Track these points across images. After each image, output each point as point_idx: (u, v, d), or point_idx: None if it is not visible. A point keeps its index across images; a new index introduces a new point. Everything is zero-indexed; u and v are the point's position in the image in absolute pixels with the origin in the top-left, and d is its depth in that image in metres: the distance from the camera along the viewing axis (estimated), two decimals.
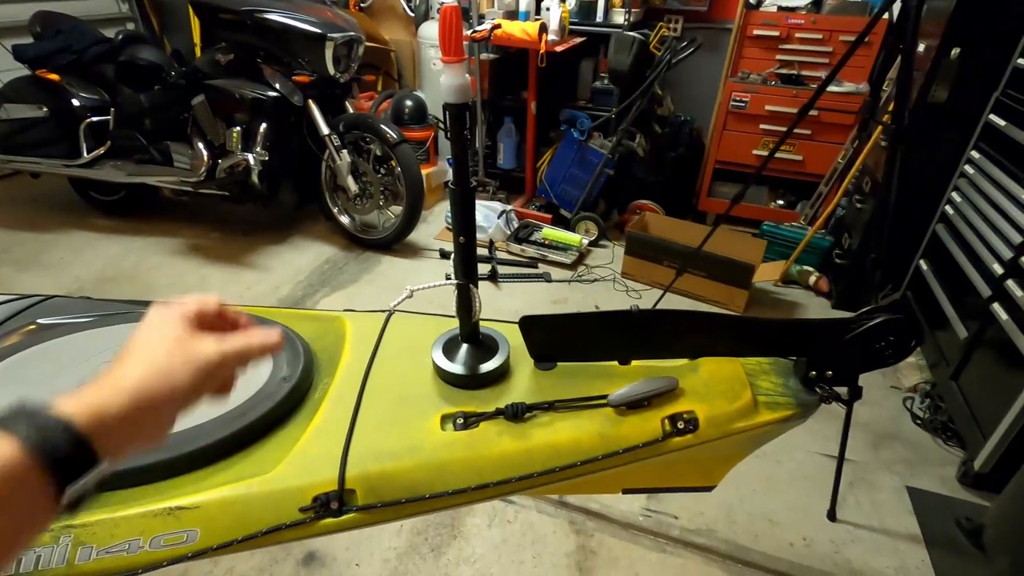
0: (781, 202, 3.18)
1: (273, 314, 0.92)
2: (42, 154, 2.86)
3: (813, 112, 2.83)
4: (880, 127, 2.40)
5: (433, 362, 0.74)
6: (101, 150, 2.86)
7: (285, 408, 0.72)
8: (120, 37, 2.90)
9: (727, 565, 1.51)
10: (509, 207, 3.14)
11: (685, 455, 0.71)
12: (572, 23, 3.07)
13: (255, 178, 2.68)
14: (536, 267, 2.91)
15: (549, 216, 3.21)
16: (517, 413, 0.67)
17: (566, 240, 3.00)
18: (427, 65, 3.66)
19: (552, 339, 0.75)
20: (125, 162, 2.91)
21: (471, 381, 0.72)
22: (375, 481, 0.63)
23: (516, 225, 3.10)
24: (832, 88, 2.82)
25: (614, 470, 0.69)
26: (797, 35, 2.82)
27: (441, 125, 3.17)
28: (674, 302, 2.55)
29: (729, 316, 0.71)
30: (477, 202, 3.22)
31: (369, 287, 2.68)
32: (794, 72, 2.88)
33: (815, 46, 2.81)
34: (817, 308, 2.66)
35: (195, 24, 3.75)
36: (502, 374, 0.74)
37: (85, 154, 2.83)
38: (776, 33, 2.85)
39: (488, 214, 3.07)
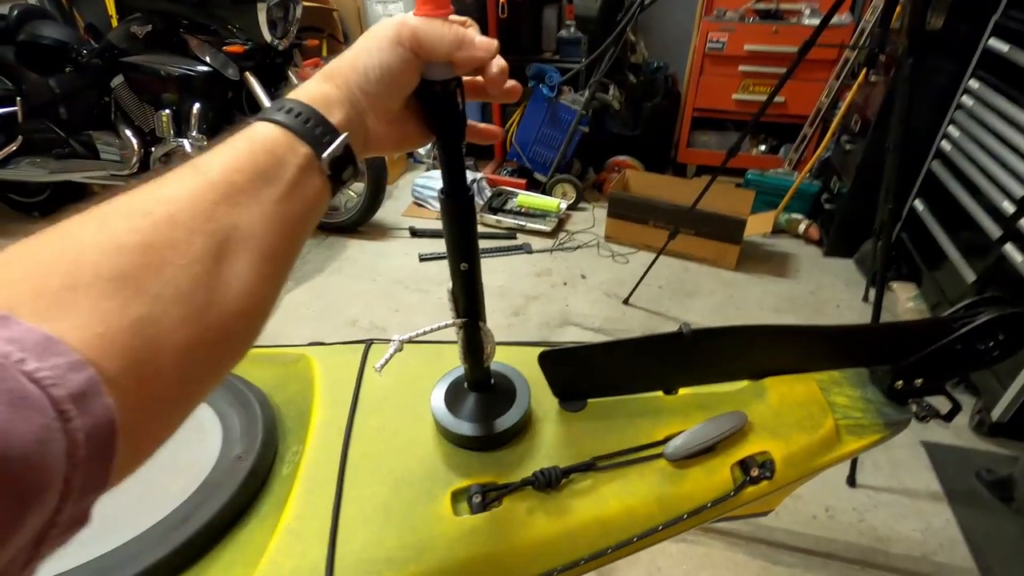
0: (764, 147, 3.04)
1: None
2: None
3: (792, 49, 2.67)
4: (866, 61, 2.25)
5: (434, 418, 0.57)
6: (13, 146, 2.52)
7: (243, 500, 0.55)
8: (15, 13, 2.52)
9: (751, 547, 1.43)
10: (479, 175, 2.93)
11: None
12: None
13: None
14: (515, 238, 2.74)
15: (523, 181, 3.01)
16: (551, 481, 0.52)
17: (543, 206, 2.82)
18: (375, 23, 3.33)
19: (580, 373, 0.59)
20: (44, 158, 2.58)
21: (487, 442, 0.56)
22: None
23: (488, 194, 2.90)
24: (812, 21, 2.65)
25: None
26: None
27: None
28: (665, 263, 2.42)
29: (804, 327, 0.56)
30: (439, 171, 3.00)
31: (337, 276, 2.47)
32: (772, 6, 2.69)
33: None
34: (808, 257, 2.57)
35: None
36: (524, 425, 0.58)
37: None
38: None
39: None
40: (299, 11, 2.46)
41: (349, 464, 0.57)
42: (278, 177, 0.31)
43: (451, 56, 0.36)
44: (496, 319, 2.19)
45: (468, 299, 0.49)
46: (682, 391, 0.61)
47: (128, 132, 2.46)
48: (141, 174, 2.45)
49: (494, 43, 0.38)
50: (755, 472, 0.54)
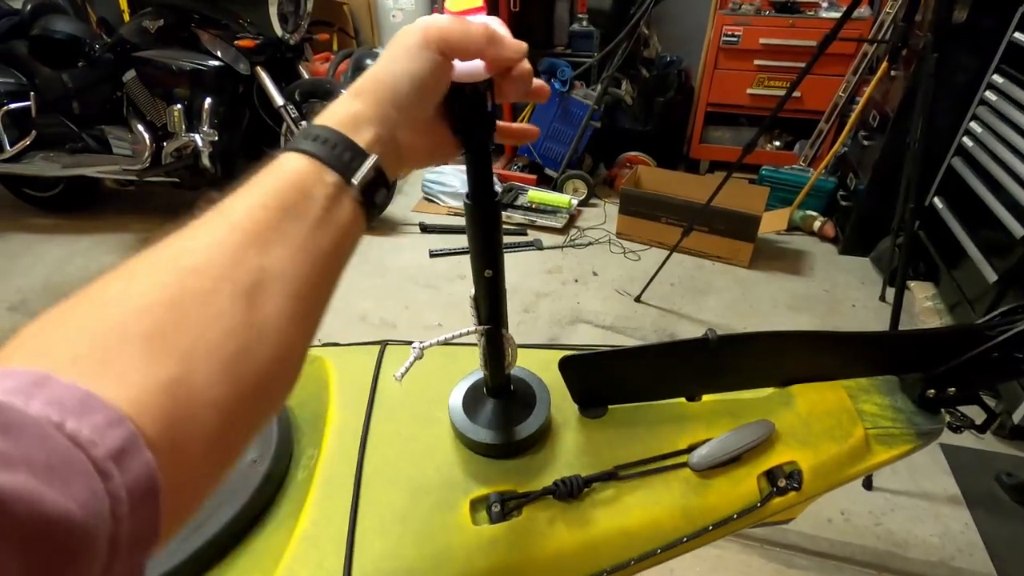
0: (778, 143, 3.00)
1: None
2: None
3: (810, 43, 2.63)
4: (887, 56, 2.21)
5: (452, 425, 0.56)
6: (26, 141, 2.53)
7: (258, 505, 0.54)
8: (28, 8, 2.52)
9: (765, 551, 1.41)
10: None
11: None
12: None
13: (206, 160, 2.40)
14: (525, 234, 2.72)
15: (534, 177, 2.99)
16: (572, 490, 0.51)
17: (554, 202, 2.80)
18: (386, 17, 3.31)
19: (602, 379, 0.58)
20: (57, 153, 2.59)
21: (506, 449, 0.54)
22: None
23: (499, 189, 2.88)
24: (830, 14, 2.60)
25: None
26: None
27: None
28: (677, 261, 2.39)
29: (833, 334, 0.55)
30: (454, 167, 2.99)
31: (347, 272, 2.45)
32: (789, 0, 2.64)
33: None
34: (823, 254, 2.53)
35: None
36: (544, 432, 0.57)
37: (8, 147, 2.49)
38: None
39: (466, 180, 2.83)
40: (310, 5, 2.45)
41: (366, 470, 0.56)
42: (306, 211, 0.30)
43: (482, 54, 0.35)
44: (507, 316, 2.18)
45: (491, 306, 0.48)
46: (706, 398, 0.60)
47: (140, 127, 2.46)
48: (152, 168, 2.46)
49: (524, 44, 0.37)
50: (782, 483, 0.53)
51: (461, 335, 0.50)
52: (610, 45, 2.61)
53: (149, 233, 2.72)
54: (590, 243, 2.65)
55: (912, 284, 2.22)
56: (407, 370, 0.48)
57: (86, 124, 2.58)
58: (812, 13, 2.62)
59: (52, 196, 2.84)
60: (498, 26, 0.36)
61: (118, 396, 0.21)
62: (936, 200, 2.15)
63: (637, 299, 2.26)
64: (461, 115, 0.38)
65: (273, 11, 2.24)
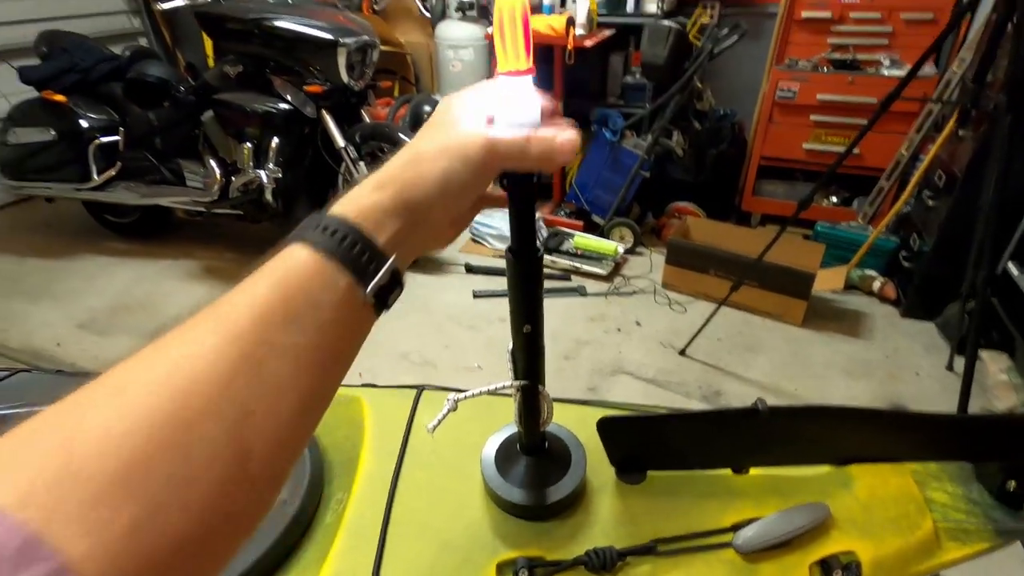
0: (835, 199, 2.91)
1: None
2: (53, 178, 2.76)
3: (870, 100, 2.58)
4: (956, 114, 2.13)
5: (483, 481, 0.55)
6: (111, 172, 2.74)
7: (285, 548, 0.53)
8: (127, 54, 2.79)
9: None
10: (537, 214, 2.94)
11: None
12: (600, 15, 2.85)
13: (268, 196, 2.53)
14: (569, 279, 2.71)
15: (580, 223, 3.00)
16: (606, 563, 0.48)
17: (600, 249, 2.79)
18: (446, 67, 3.47)
19: (642, 443, 0.55)
20: (137, 183, 2.80)
21: (538, 511, 0.52)
22: None
23: (545, 234, 2.90)
24: (893, 72, 2.55)
25: None
26: (852, 15, 2.56)
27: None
28: (725, 315, 2.32)
29: (899, 412, 0.50)
30: (499, 211, 3.04)
31: (392, 308, 2.50)
32: (849, 56, 2.61)
33: (873, 26, 2.54)
34: (884, 317, 2.40)
35: (206, 37, 3.63)
36: (578, 495, 0.54)
37: (95, 176, 2.71)
38: (827, 15, 2.59)
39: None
40: (375, 56, 2.60)
41: (393, 519, 0.55)
42: (312, 321, 0.28)
43: (536, 165, 0.34)
44: (546, 363, 2.15)
45: (529, 362, 0.47)
46: (754, 471, 0.56)
47: (212, 162, 2.63)
48: (220, 201, 2.61)
49: (577, 141, 0.35)
50: (839, 575, 0.48)
51: (497, 389, 0.49)
52: (662, 98, 2.64)
53: (212, 261, 2.87)
54: (635, 292, 2.61)
55: (984, 354, 2.07)
56: (439, 422, 0.47)
57: (165, 158, 2.78)
58: (873, 71, 2.58)
59: (129, 223, 3.05)
60: (556, 124, 0.35)
61: (68, 542, 0.19)
62: (1011, 265, 2.02)
63: (681, 352, 2.19)
64: (506, 186, 0.38)
65: (342, 61, 2.39)
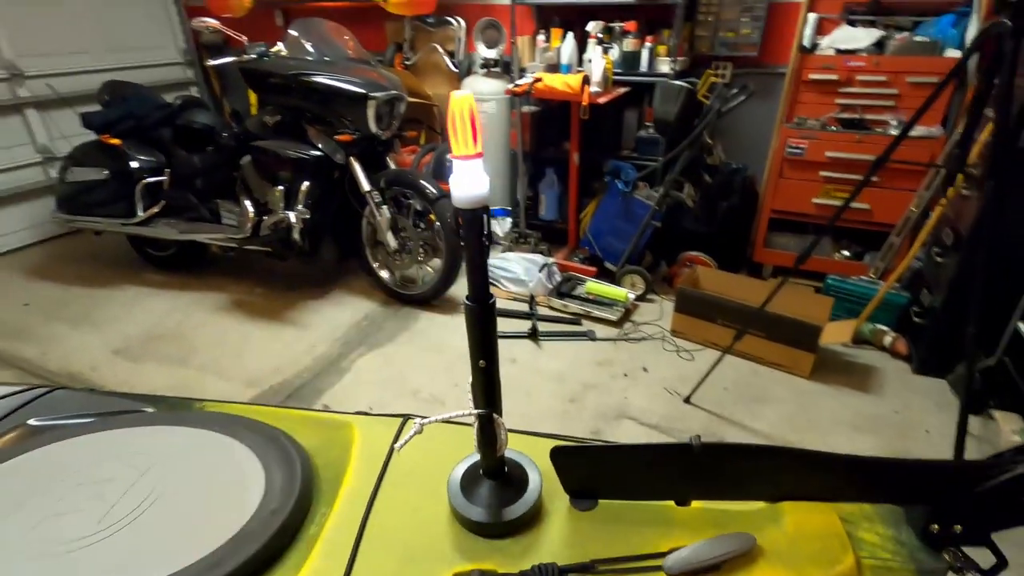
0: (847, 253, 2.93)
1: (277, 415, 0.82)
2: (103, 213, 2.99)
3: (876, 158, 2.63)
4: (962, 175, 2.17)
5: (449, 500, 0.61)
6: (155, 209, 2.96)
7: (271, 551, 0.60)
8: (179, 102, 3.04)
9: None
10: (551, 260, 3.04)
11: None
12: (616, 74, 3.01)
13: (296, 235, 2.69)
14: (579, 324, 2.77)
15: (593, 269, 3.08)
16: None
17: (611, 295, 2.85)
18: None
19: (592, 473, 0.61)
20: (178, 220, 3.01)
21: (494, 529, 0.58)
22: None
23: (558, 279, 2.98)
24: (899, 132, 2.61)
25: None
26: (859, 78, 2.65)
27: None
28: (732, 364, 2.34)
29: (822, 454, 0.55)
30: (518, 255, 3.14)
31: (407, 347, 2.60)
32: (856, 116, 2.69)
33: (879, 88, 2.62)
34: (895, 372, 2.39)
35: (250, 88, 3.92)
36: (532, 517, 0.60)
37: (140, 213, 2.93)
38: (835, 77, 2.69)
39: (529, 267, 2.97)
40: (403, 107, 2.79)
41: (367, 533, 0.62)
42: None
43: None
44: (551, 404, 2.20)
45: (485, 393, 0.54)
46: (696, 504, 0.61)
47: (247, 202, 2.82)
48: (252, 238, 2.78)
49: None
50: None
51: (459, 416, 0.56)
52: (672, 152, 2.75)
53: (241, 295, 3.02)
54: (644, 338, 2.65)
55: (997, 414, 2.04)
56: (406, 442, 0.55)
57: (205, 198, 2.99)
58: (881, 130, 2.65)
59: (167, 256, 3.26)
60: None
61: None
62: (1021, 325, 2.01)
63: (687, 400, 2.21)
64: (464, 232, 0.46)
65: (371, 113, 2.57)
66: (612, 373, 2.41)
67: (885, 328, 2.50)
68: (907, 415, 2.15)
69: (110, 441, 0.76)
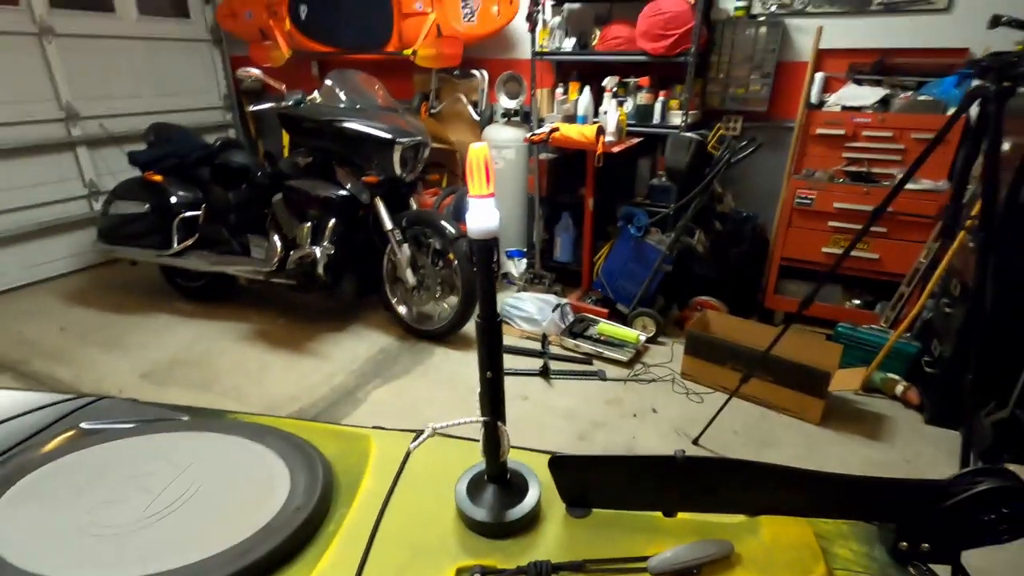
0: (858, 302, 2.96)
1: (301, 427, 0.89)
2: (140, 244, 3.17)
3: (889, 209, 2.70)
4: (965, 229, 2.23)
5: (455, 502, 0.68)
6: (189, 241, 3.13)
7: (295, 543, 0.67)
8: (218, 143, 3.26)
9: None
10: (564, 300, 3.11)
11: None
12: (629, 125, 3.15)
13: (320, 269, 2.82)
14: (591, 363, 2.81)
15: (605, 311, 3.14)
16: (541, 573, 0.59)
17: (622, 336, 2.91)
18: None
19: (586, 483, 0.67)
20: (209, 252, 3.16)
21: (495, 529, 0.64)
22: None
23: (571, 319, 3.05)
24: (909, 186, 2.68)
25: None
26: (864, 133, 2.75)
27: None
28: (742, 409, 2.36)
29: (796, 470, 0.61)
30: (532, 295, 3.23)
31: (421, 380, 2.66)
32: (863, 170, 2.78)
33: (885, 144, 2.72)
34: (906, 422, 2.38)
35: (285, 132, 4.16)
36: (531, 520, 0.66)
37: (175, 245, 3.09)
38: (841, 132, 2.79)
39: (543, 307, 3.04)
40: (427, 152, 2.95)
41: (380, 531, 0.68)
42: None
43: None
44: (560, 441, 2.23)
45: (491, 401, 0.61)
46: (681, 515, 0.67)
47: (275, 237, 2.97)
48: (278, 272, 2.91)
49: None
50: None
51: (467, 422, 0.63)
52: (683, 200, 2.85)
53: (264, 325, 3.14)
54: (653, 380, 2.68)
55: (1012, 468, 2.01)
56: (420, 443, 0.62)
57: (236, 232, 3.16)
58: (887, 183, 2.73)
59: (197, 287, 3.41)
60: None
61: None
62: None
63: (695, 441, 2.23)
64: (477, 259, 0.55)
65: (396, 157, 2.74)
66: (622, 413, 2.44)
67: (897, 377, 2.51)
68: (918, 465, 2.13)
69: (153, 443, 0.85)
